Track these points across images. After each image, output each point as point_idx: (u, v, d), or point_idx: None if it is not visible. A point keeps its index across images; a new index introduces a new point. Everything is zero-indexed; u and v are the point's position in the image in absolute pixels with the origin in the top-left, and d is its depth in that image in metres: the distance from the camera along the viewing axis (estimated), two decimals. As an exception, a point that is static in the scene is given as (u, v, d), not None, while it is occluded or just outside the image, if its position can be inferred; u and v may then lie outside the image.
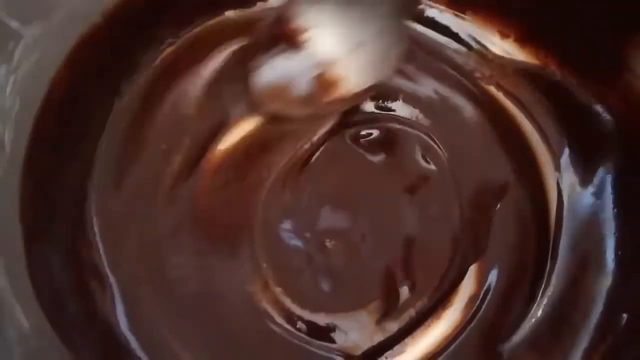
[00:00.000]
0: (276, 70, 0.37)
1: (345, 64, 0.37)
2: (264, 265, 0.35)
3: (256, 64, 0.38)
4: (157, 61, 0.40)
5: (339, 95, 0.37)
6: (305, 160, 0.38)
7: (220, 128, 0.39)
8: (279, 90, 0.37)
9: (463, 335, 0.35)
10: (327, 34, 0.37)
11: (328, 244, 0.36)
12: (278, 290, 0.35)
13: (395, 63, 0.37)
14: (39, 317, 0.29)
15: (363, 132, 0.39)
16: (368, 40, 0.36)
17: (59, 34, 0.33)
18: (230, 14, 0.43)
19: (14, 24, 0.30)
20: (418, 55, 0.42)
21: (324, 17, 0.36)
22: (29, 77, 0.31)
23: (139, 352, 0.33)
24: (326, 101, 0.37)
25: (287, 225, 0.37)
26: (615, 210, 0.36)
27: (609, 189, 0.37)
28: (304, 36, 0.37)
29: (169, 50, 0.40)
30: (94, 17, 0.35)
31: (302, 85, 0.37)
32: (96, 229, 0.35)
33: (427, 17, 0.44)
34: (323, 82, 0.37)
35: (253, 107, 0.38)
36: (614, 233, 0.36)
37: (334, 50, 0.37)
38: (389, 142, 0.39)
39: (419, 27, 0.43)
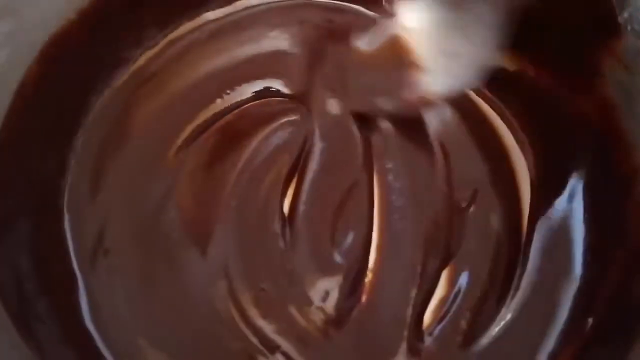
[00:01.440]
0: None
1: (434, 69, 0.35)
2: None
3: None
4: (137, 62, 0.40)
5: (419, 93, 0.36)
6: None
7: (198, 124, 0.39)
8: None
9: (432, 337, 0.35)
10: (424, 37, 0.35)
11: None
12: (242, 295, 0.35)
13: (482, 75, 0.35)
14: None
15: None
16: (464, 52, 0.34)
17: (30, 31, 0.33)
18: (209, 15, 0.43)
19: (-16, 20, 0.30)
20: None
21: (426, 18, 0.35)
22: (-1, 74, 0.31)
23: (104, 352, 0.33)
24: (406, 97, 0.36)
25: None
26: (585, 216, 0.36)
27: (580, 194, 0.37)
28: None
29: (149, 52, 0.41)
30: (68, 14, 0.34)
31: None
32: (67, 227, 0.35)
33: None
34: (408, 79, 0.36)
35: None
36: (583, 239, 0.36)
37: (426, 52, 0.35)
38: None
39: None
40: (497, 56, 0.36)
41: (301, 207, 0.37)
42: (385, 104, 0.38)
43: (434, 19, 0.34)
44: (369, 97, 0.38)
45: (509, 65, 0.41)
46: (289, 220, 0.37)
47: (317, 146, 0.38)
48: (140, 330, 0.34)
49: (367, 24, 0.40)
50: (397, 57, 0.35)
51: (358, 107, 0.39)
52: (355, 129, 0.39)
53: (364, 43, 0.37)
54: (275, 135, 0.39)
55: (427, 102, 0.36)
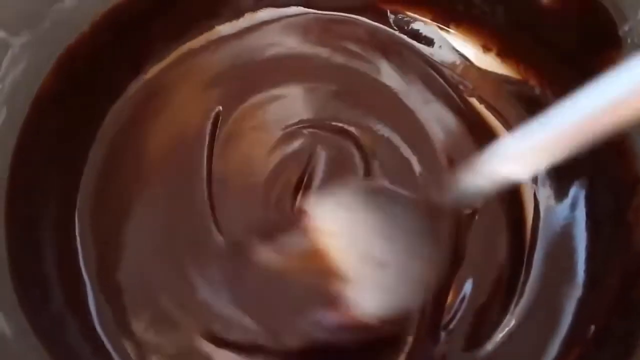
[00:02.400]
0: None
1: (359, 281, 0.28)
2: None
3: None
4: (149, 74, 0.41)
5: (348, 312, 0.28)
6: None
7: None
8: None
9: (438, 344, 0.35)
10: (343, 241, 0.28)
11: None
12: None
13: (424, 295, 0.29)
14: (20, 321, 0.30)
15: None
16: (392, 262, 0.28)
17: (46, 43, 0.34)
18: (220, 28, 0.44)
19: (2, 34, 0.31)
20: (409, 57, 0.43)
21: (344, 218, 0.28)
22: (16, 86, 0.32)
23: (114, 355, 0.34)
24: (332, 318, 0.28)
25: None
26: (587, 224, 0.37)
27: (582, 202, 0.38)
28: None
29: (160, 64, 0.41)
30: (82, 27, 0.35)
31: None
32: (78, 236, 0.36)
33: (412, 29, 0.45)
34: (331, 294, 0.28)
35: None
36: (586, 246, 0.36)
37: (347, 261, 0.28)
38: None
39: (406, 38, 0.44)
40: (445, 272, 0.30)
41: None
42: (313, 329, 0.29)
43: (353, 219, 0.28)
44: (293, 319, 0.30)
45: (513, 74, 0.42)
46: None
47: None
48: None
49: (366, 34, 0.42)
50: (316, 267, 0.28)
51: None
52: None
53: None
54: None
55: (361, 325, 0.28)
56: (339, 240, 0.28)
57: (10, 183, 0.32)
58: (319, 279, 0.28)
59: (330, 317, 0.28)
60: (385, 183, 0.36)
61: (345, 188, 0.30)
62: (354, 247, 0.28)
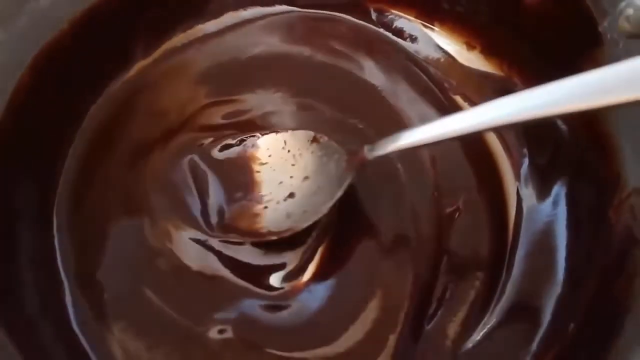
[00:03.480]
0: None
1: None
2: None
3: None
4: (129, 73, 0.41)
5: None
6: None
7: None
8: None
9: (419, 342, 0.35)
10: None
11: None
12: None
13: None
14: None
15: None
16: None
17: (22, 40, 0.33)
18: (204, 26, 0.43)
19: (-23, 29, 0.31)
20: (393, 55, 0.43)
21: None
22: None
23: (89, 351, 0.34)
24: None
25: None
26: (569, 221, 0.37)
27: (563, 200, 0.37)
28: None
29: (141, 63, 0.41)
30: (58, 26, 0.35)
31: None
32: (56, 234, 0.36)
33: (396, 27, 0.45)
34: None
35: None
36: (566, 244, 0.36)
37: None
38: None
39: (390, 35, 0.44)
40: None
41: None
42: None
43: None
44: None
45: (497, 71, 0.42)
46: None
47: None
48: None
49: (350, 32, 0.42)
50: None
51: None
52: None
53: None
54: None
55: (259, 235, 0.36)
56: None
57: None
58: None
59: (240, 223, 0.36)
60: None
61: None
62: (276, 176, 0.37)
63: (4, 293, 0.32)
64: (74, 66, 0.37)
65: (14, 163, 0.35)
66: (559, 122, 0.38)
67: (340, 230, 0.37)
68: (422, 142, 0.32)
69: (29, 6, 0.33)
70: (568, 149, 0.38)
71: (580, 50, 0.36)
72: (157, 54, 0.42)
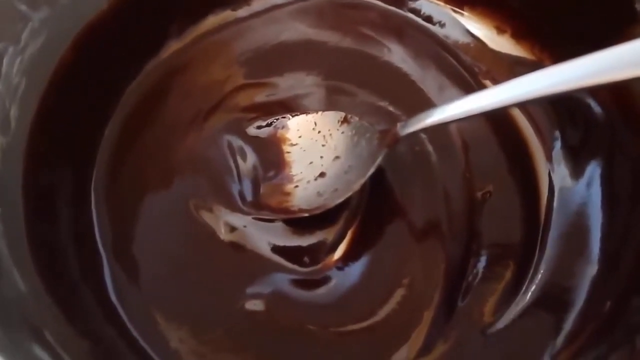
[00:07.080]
0: None
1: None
2: None
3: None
4: (166, 54, 0.42)
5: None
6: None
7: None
8: None
9: (451, 320, 0.35)
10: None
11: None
12: None
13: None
14: (35, 282, 0.30)
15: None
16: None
17: (65, 18, 0.34)
18: (235, 11, 0.44)
19: (22, 7, 0.32)
20: (423, 40, 0.43)
21: None
22: (35, 59, 0.33)
23: (126, 320, 0.34)
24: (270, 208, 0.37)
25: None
26: (603, 203, 0.36)
27: (597, 181, 0.37)
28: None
29: (175, 45, 0.42)
30: (101, 4, 0.36)
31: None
32: (94, 209, 0.37)
33: (425, 12, 0.45)
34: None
35: None
36: (601, 225, 0.36)
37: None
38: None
39: (420, 20, 0.44)
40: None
41: None
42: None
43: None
44: None
45: (528, 55, 0.42)
46: None
47: None
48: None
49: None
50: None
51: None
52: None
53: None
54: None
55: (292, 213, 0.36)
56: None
57: (28, 152, 0.33)
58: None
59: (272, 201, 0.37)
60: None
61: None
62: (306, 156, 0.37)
63: (48, 264, 0.32)
64: (112, 45, 0.38)
65: (54, 139, 0.35)
66: (592, 104, 0.38)
67: (371, 211, 0.38)
68: (453, 118, 0.32)
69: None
70: (601, 130, 0.37)
71: (616, 28, 0.35)
72: (189, 37, 0.43)
